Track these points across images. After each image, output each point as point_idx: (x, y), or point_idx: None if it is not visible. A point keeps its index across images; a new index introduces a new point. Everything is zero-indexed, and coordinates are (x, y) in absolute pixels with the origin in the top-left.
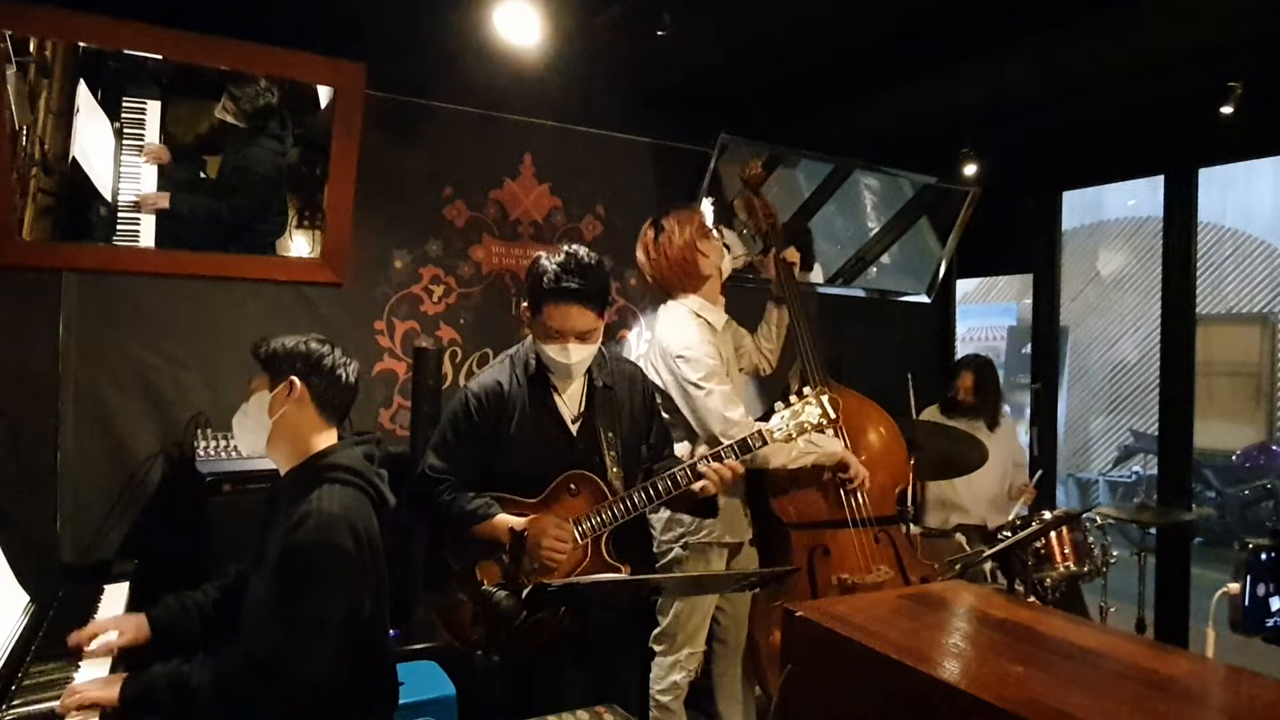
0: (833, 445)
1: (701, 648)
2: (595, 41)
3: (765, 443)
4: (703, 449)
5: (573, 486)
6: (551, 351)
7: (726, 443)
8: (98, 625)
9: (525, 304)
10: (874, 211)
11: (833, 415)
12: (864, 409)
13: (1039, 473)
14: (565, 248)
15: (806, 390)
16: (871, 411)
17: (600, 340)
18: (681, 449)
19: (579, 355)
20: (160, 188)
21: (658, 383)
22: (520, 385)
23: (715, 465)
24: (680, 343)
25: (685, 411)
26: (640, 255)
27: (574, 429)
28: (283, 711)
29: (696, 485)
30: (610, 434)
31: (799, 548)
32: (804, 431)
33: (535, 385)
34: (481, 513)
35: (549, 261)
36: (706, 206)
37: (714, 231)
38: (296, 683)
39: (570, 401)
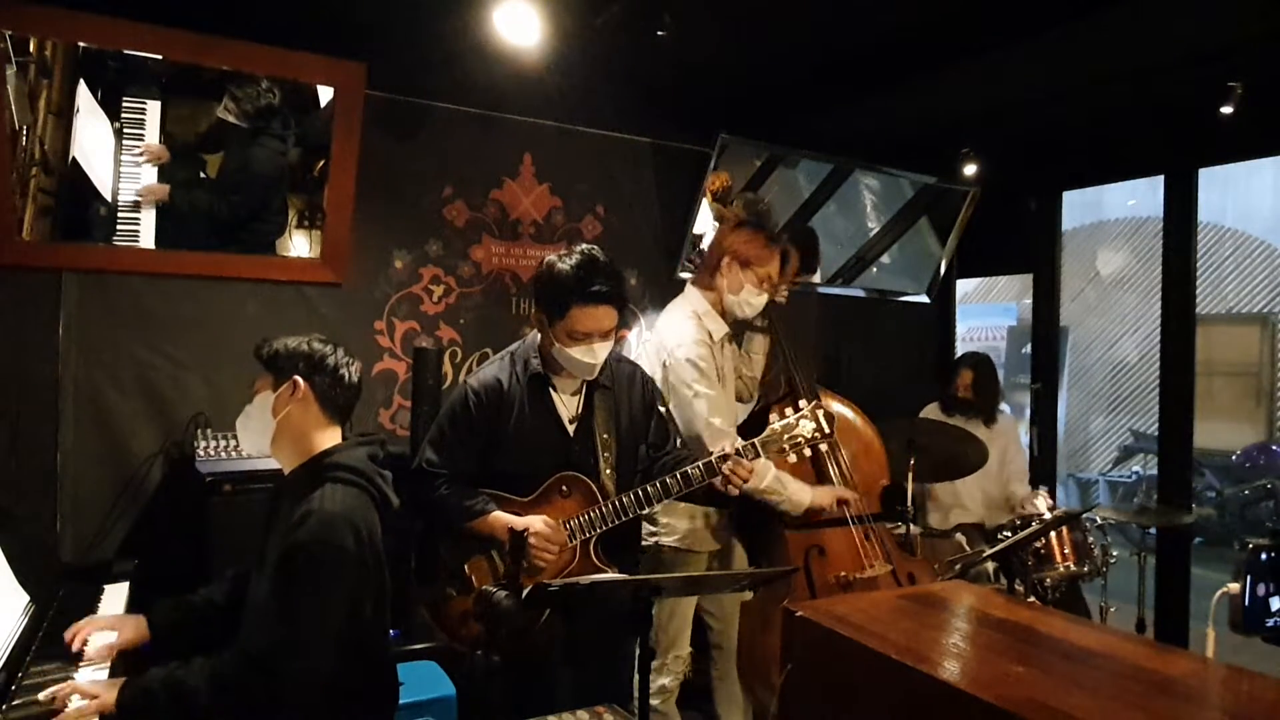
0: (799, 495)
1: (686, 650)
2: (595, 41)
3: (759, 454)
4: (723, 445)
5: (564, 488)
6: (576, 353)
7: (715, 451)
8: (97, 621)
9: (538, 308)
10: (874, 211)
11: (827, 430)
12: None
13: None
14: (578, 249)
15: (803, 404)
16: (846, 411)
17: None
18: None
19: (603, 353)
20: None
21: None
22: (520, 384)
23: (735, 462)
24: (674, 340)
25: (672, 409)
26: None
27: (571, 430)
28: (281, 710)
29: (719, 482)
30: (606, 435)
31: (795, 548)
32: (797, 446)
33: (535, 384)
34: (476, 509)
35: (565, 264)
36: (705, 208)
37: (765, 287)
38: (293, 681)
39: (568, 402)
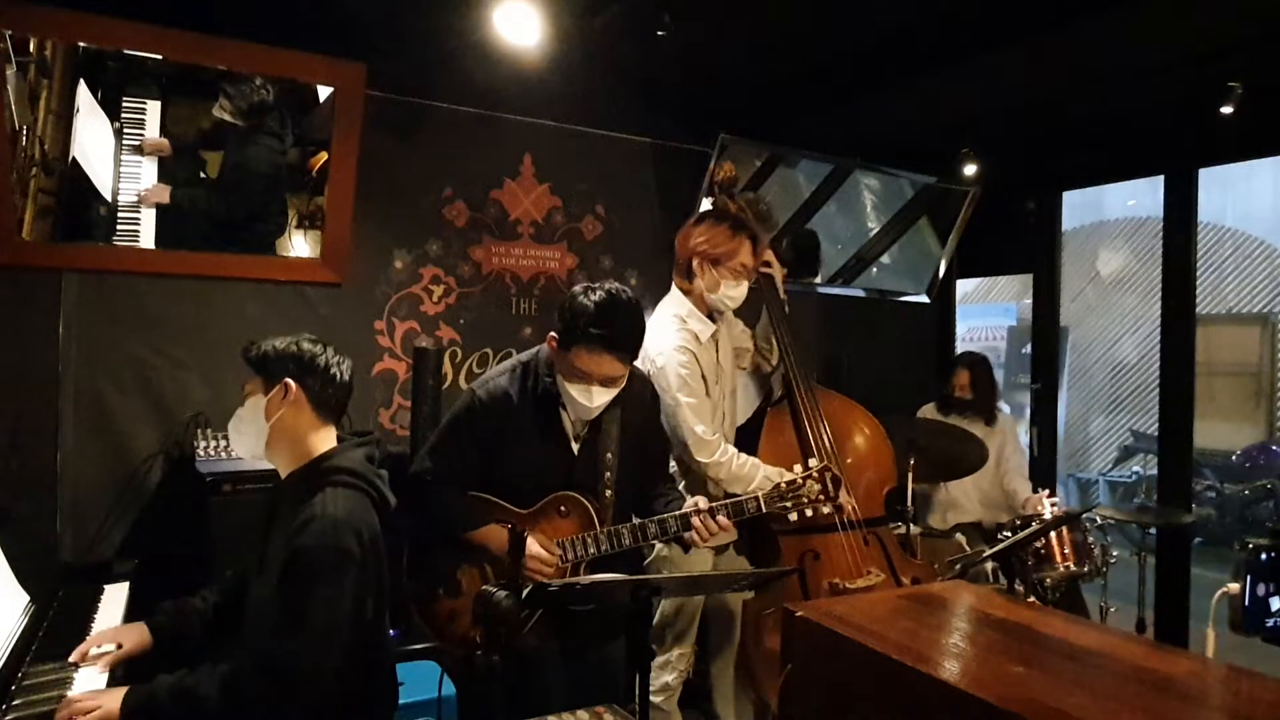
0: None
1: (691, 647)
2: (595, 41)
3: (761, 509)
4: (699, 499)
5: (563, 508)
6: (574, 392)
7: (727, 487)
8: (98, 637)
9: (554, 335)
10: (874, 211)
11: (832, 495)
12: (849, 412)
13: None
14: (607, 286)
15: (812, 463)
16: (856, 414)
17: (624, 384)
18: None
19: (601, 399)
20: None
21: None
22: (529, 398)
23: (704, 519)
24: (655, 348)
25: (663, 415)
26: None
27: (576, 448)
28: (290, 712)
29: (686, 535)
30: (610, 454)
31: (788, 553)
32: (799, 504)
33: (544, 401)
34: (472, 519)
35: (586, 298)
36: (706, 205)
37: (743, 276)
38: (304, 684)
39: (575, 420)
